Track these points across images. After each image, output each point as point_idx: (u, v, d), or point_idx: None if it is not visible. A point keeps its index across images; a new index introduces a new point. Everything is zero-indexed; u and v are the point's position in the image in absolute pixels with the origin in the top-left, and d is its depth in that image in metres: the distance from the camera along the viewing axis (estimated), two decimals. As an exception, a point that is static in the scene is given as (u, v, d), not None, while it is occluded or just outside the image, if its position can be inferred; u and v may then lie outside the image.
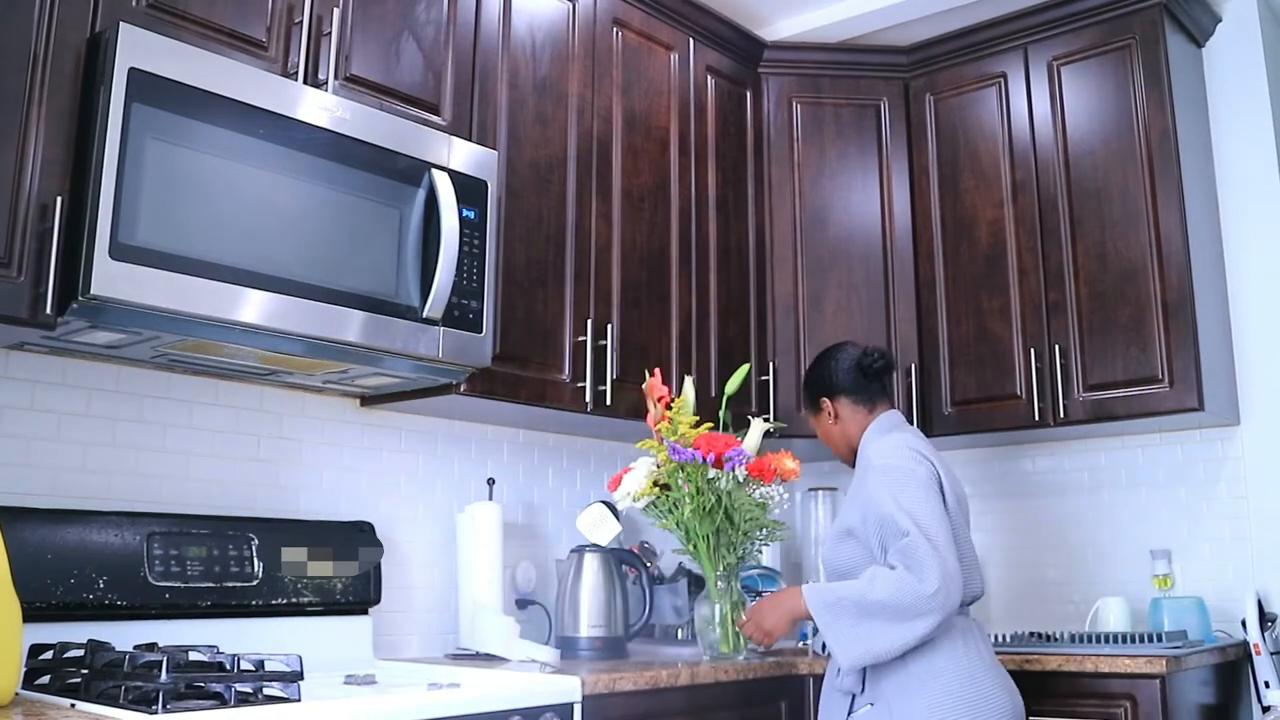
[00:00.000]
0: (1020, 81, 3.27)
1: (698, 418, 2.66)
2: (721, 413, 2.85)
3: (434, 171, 2.32)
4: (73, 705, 1.66)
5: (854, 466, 2.38)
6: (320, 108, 2.16)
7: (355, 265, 2.18)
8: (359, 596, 2.45)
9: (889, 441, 2.27)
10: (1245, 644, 2.85)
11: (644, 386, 2.72)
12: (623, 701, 2.22)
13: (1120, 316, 2.99)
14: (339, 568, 2.42)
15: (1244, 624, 2.86)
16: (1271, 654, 2.80)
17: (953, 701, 2.07)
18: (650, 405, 2.68)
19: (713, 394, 3.01)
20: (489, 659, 2.55)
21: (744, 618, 2.44)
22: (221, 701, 1.65)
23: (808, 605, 2.19)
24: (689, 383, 2.75)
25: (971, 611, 2.28)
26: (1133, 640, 2.68)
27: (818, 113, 3.45)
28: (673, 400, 2.69)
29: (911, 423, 3.26)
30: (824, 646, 2.25)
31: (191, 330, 1.99)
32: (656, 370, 2.75)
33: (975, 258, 3.28)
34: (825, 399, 2.44)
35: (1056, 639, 2.84)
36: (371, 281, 2.20)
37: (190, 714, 1.58)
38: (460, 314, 2.33)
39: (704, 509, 2.58)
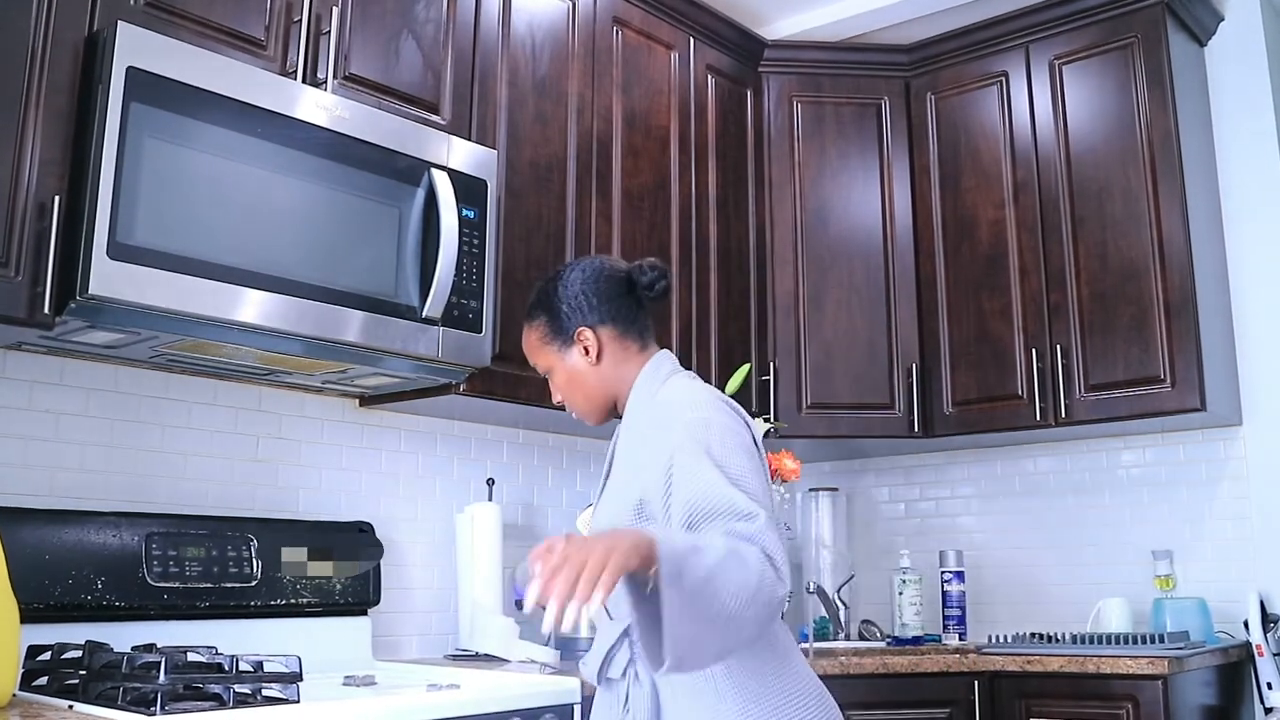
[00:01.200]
0: (1022, 80, 3.26)
1: (698, 418, 2.65)
2: (722, 413, 2.83)
3: (433, 171, 2.31)
4: (71, 706, 1.66)
5: (602, 423, 1.84)
6: (319, 107, 2.15)
7: (354, 265, 2.17)
8: (358, 597, 2.44)
9: (688, 388, 1.65)
10: (1247, 645, 2.84)
11: (644, 386, 2.71)
12: (623, 703, 2.21)
13: (1122, 316, 2.98)
14: (338, 568, 2.41)
15: (1246, 625, 2.85)
16: (1274, 655, 2.80)
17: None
18: (650, 405, 2.66)
19: (713, 394, 2.99)
20: (488, 659, 2.54)
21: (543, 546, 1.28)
22: (220, 703, 1.64)
23: (659, 561, 1.26)
24: (689, 383, 2.74)
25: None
26: (1134, 641, 2.68)
27: (818, 112, 3.44)
28: (673, 400, 2.67)
29: (913, 425, 3.26)
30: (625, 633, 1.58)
31: (190, 330, 1.98)
32: (657, 370, 2.74)
33: (976, 257, 3.27)
34: (585, 330, 1.72)
35: (1058, 640, 2.83)
36: (371, 281, 2.19)
37: (189, 715, 1.58)
38: (460, 314, 2.33)
39: (704, 509, 2.56)
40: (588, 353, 1.73)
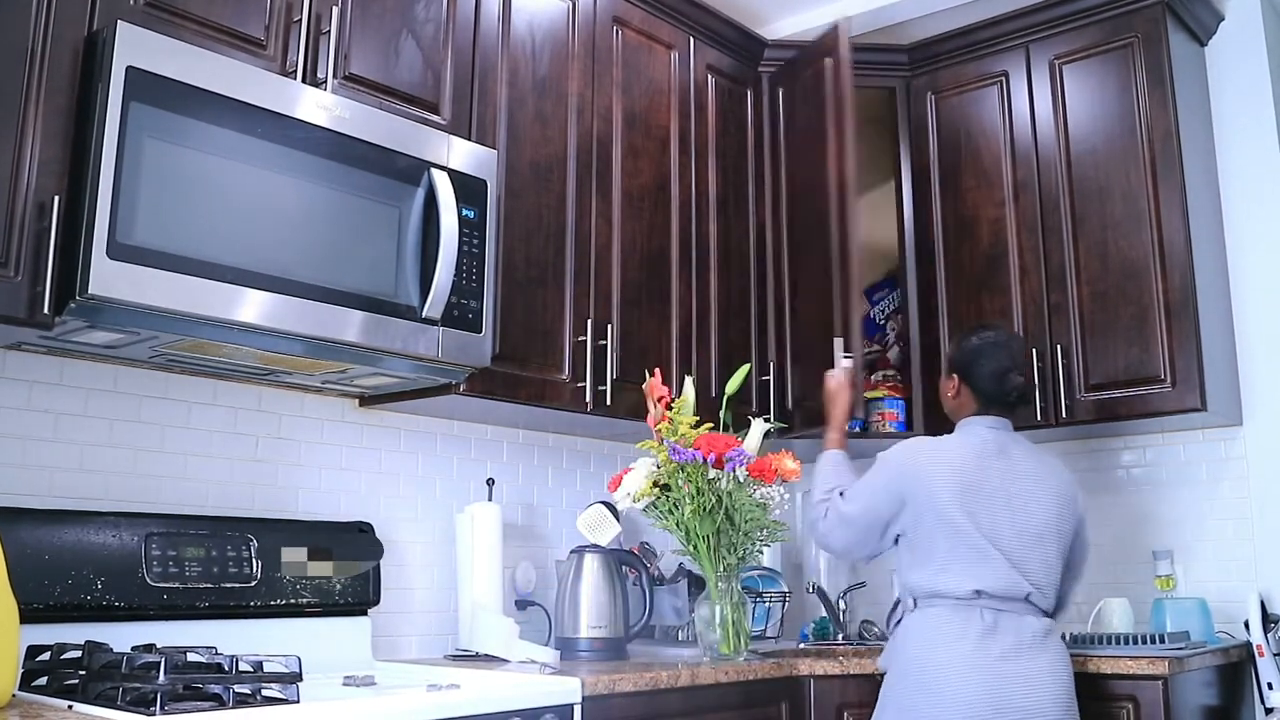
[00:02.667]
0: (1022, 80, 3.26)
1: (698, 418, 2.66)
2: (722, 413, 2.84)
3: (433, 171, 2.31)
4: (70, 707, 1.66)
5: None
6: (319, 107, 2.15)
7: (354, 265, 2.17)
8: (358, 597, 2.44)
9: (931, 438, 2.51)
10: (1248, 645, 2.84)
11: (644, 386, 2.72)
12: (623, 703, 2.21)
13: (1122, 316, 2.98)
14: (338, 568, 2.41)
15: (1247, 625, 2.85)
16: (1274, 655, 2.79)
17: (904, 685, 2.30)
18: (650, 405, 2.67)
19: (713, 394, 3.00)
20: (489, 660, 2.54)
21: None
22: (220, 703, 1.64)
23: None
24: (689, 383, 2.74)
25: (993, 605, 2.29)
26: (1135, 641, 2.67)
27: (818, 112, 3.44)
28: (673, 400, 2.68)
29: (911, 425, 3.27)
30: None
31: (190, 330, 1.98)
32: (657, 370, 2.75)
33: (976, 257, 3.27)
34: (956, 376, 2.52)
35: (1058, 640, 2.83)
36: (371, 281, 2.19)
37: (188, 715, 1.58)
38: (460, 314, 2.33)
39: (704, 509, 2.57)
40: (953, 389, 2.56)
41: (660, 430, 2.63)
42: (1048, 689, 2.22)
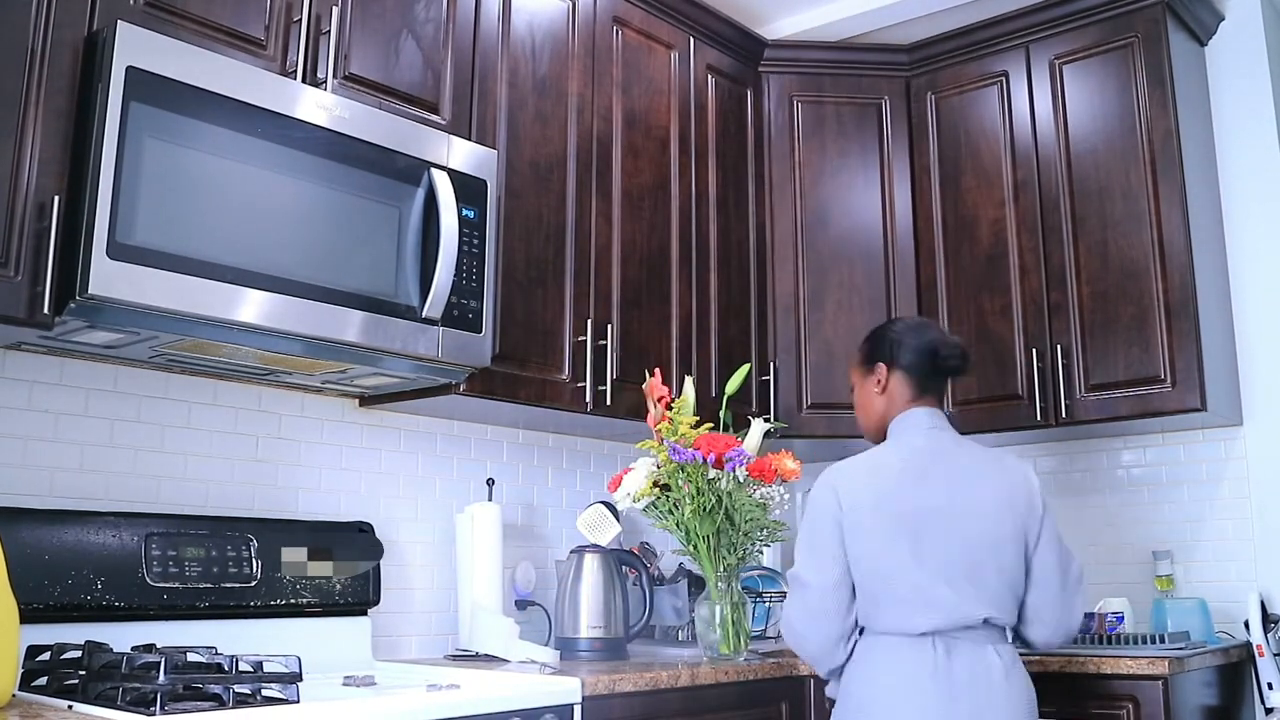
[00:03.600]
0: (1022, 80, 3.26)
1: (698, 418, 2.65)
2: (722, 413, 2.84)
3: (433, 171, 2.31)
4: (70, 707, 1.66)
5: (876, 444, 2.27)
6: (319, 107, 2.15)
7: (354, 265, 2.17)
8: (358, 597, 2.44)
9: (859, 457, 2.19)
10: (1248, 645, 2.84)
11: (644, 386, 2.71)
12: (623, 703, 2.21)
13: (1122, 316, 2.98)
14: (338, 568, 2.41)
15: (1247, 625, 2.85)
16: (1274, 655, 2.79)
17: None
18: (650, 405, 2.67)
19: (713, 394, 3.00)
20: (489, 660, 2.54)
21: None
22: (220, 703, 1.64)
23: None
24: (689, 383, 2.74)
25: (945, 637, 2.04)
26: (1135, 641, 2.67)
27: (819, 111, 3.44)
28: (673, 400, 2.68)
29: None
30: None
31: (190, 330, 1.98)
32: (656, 370, 2.75)
33: (977, 257, 3.27)
34: (881, 364, 2.25)
35: (1058, 640, 2.83)
36: (370, 281, 2.19)
37: (188, 715, 1.58)
38: (460, 314, 2.33)
39: (704, 509, 2.57)
40: (878, 383, 2.26)
41: (660, 430, 2.63)
42: None
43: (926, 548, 2.04)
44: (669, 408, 2.66)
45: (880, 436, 2.26)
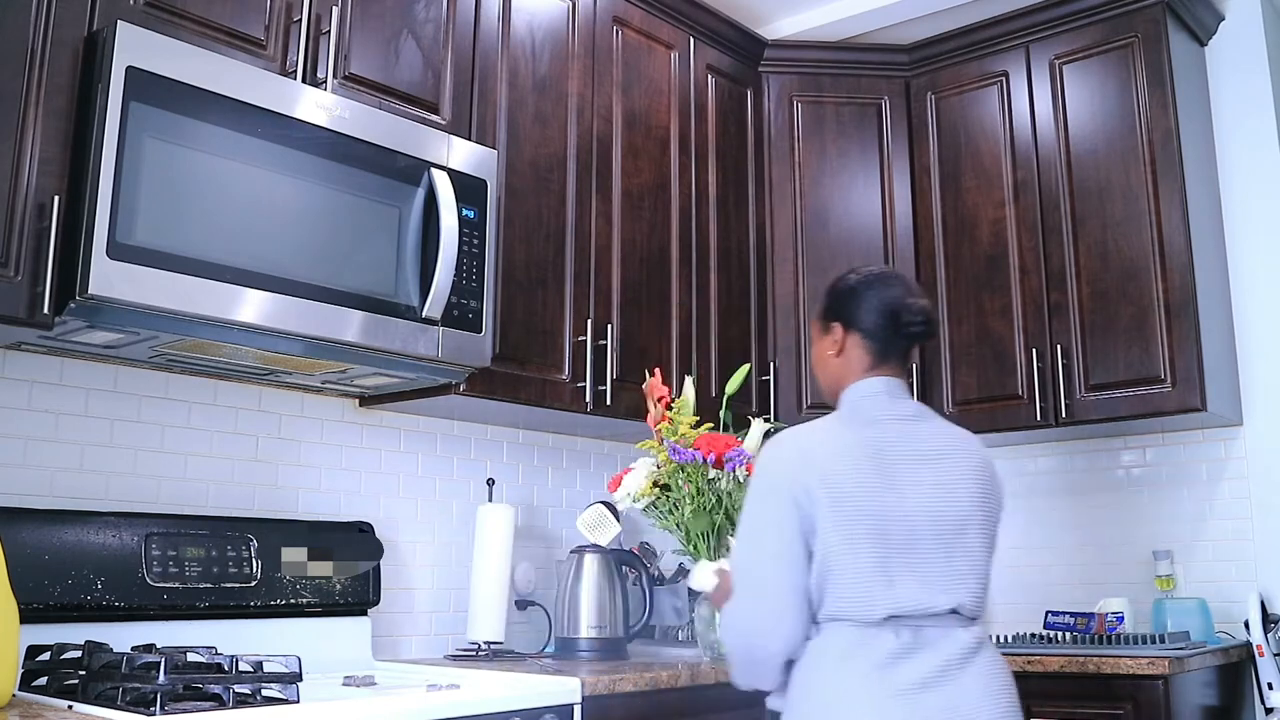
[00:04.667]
0: (1022, 80, 3.26)
1: (698, 418, 2.65)
2: (722, 413, 2.84)
3: (433, 171, 2.31)
4: (70, 707, 1.66)
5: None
6: (319, 107, 2.15)
7: (354, 265, 2.17)
8: (358, 597, 2.44)
9: (803, 427, 1.86)
10: (1248, 645, 2.84)
11: (644, 386, 2.71)
12: (623, 703, 2.21)
13: (1122, 316, 2.98)
14: (338, 568, 2.41)
15: (1247, 625, 2.85)
16: (1274, 655, 2.80)
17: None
18: (650, 405, 2.67)
19: (713, 394, 3.00)
20: (489, 660, 2.54)
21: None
22: (220, 703, 1.64)
23: None
24: (689, 383, 2.74)
25: (910, 623, 1.74)
26: (1135, 641, 2.68)
27: (819, 112, 3.44)
28: (673, 400, 2.68)
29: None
30: None
31: (190, 330, 1.98)
32: (656, 370, 2.75)
33: (977, 257, 3.27)
34: (839, 325, 1.92)
35: (1058, 640, 2.83)
36: (370, 281, 2.19)
37: (188, 715, 1.58)
38: (460, 314, 2.33)
39: (704, 509, 2.57)
40: (835, 345, 1.93)
41: (660, 430, 2.63)
42: (984, 716, 1.69)
43: (891, 527, 1.76)
44: (669, 408, 2.66)
45: (837, 400, 1.95)
